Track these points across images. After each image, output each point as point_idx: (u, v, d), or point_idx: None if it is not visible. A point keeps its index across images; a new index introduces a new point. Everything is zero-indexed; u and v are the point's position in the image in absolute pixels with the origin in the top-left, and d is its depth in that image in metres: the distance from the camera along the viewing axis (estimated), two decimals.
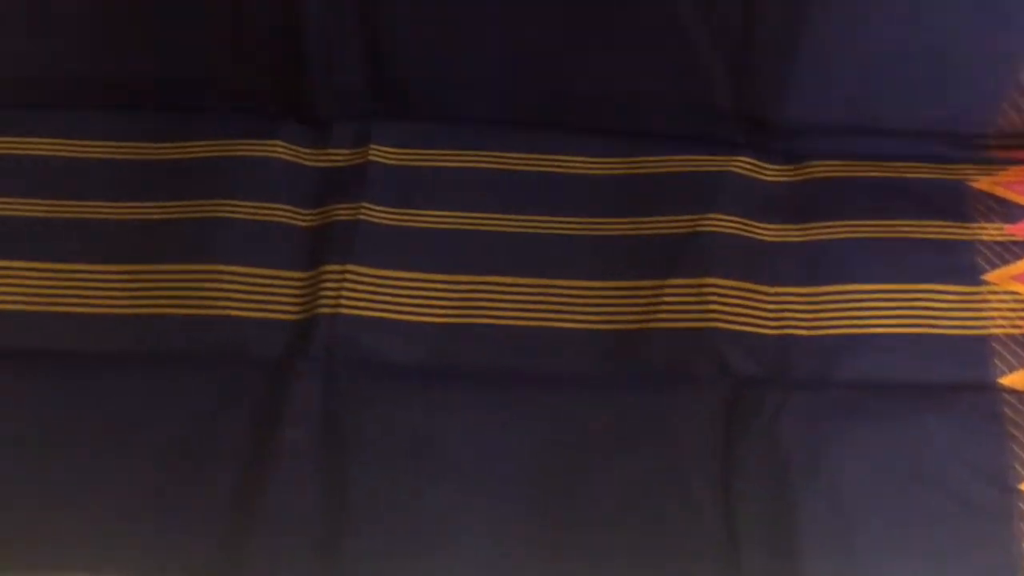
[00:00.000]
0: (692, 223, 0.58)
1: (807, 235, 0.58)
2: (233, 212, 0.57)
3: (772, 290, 0.56)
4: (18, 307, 0.55)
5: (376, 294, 0.56)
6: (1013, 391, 0.53)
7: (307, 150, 0.60)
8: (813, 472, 0.51)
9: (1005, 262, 0.56)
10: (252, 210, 0.58)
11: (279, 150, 0.60)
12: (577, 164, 0.61)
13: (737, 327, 0.55)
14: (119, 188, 0.59)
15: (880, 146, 0.61)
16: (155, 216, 0.58)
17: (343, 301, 0.55)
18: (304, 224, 0.58)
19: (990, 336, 0.54)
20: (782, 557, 0.50)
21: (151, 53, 0.61)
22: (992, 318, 0.55)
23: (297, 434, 0.52)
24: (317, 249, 0.57)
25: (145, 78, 0.61)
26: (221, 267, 0.56)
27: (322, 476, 0.51)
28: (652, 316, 0.55)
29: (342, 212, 0.58)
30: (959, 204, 0.59)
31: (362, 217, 0.58)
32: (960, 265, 0.56)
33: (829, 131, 0.61)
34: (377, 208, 0.58)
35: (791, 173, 0.60)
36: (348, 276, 0.56)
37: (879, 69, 0.58)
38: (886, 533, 0.50)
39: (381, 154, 0.60)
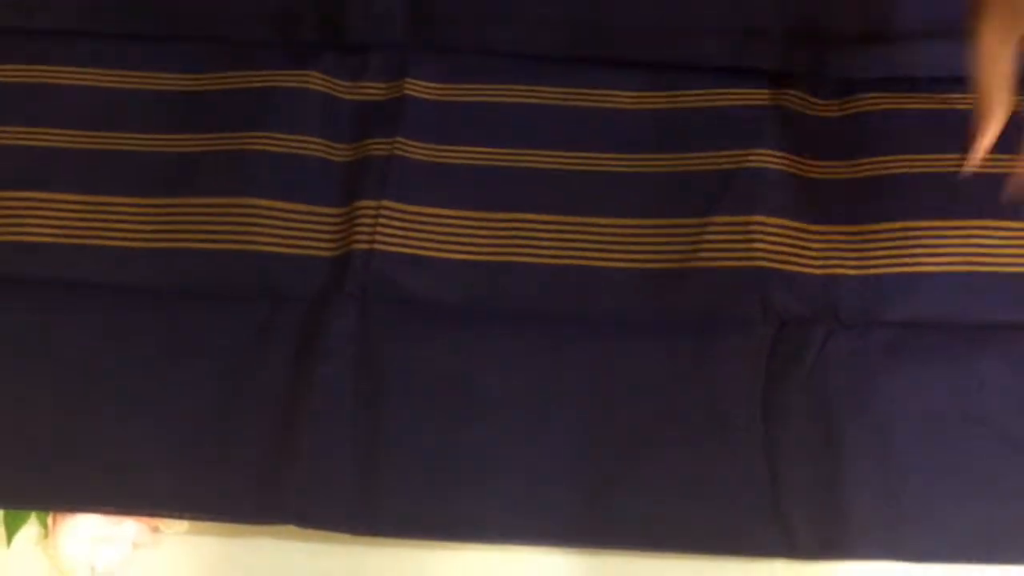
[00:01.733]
0: (737, 159, 0.56)
1: (857, 171, 0.56)
2: (267, 145, 0.57)
3: (819, 228, 0.55)
4: (55, 239, 0.55)
5: (411, 231, 0.55)
6: None
7: (343, 82, 0.59)
8: (859, 413, 0.50)
9: None
10: (286, 143, 0.57)
11: (315, 81, 0.59)
12: (617, 99, 0.59)
13: (782, 266, 0.53)
14: (155, 120, 0.58)
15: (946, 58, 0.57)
16: (190, 148, 0.58)
17: (378, 237, 0.54)
18: (338, 159, 0.57)
19: None
20: (824, 501, 0.48)
21: None
22: None
23: (332, 370, 0.51)
24: (351, 184, 0.56)
25: (185, 6, 0.61)
26: (255, 201, 0.55)
27: (357, 412, 0.50)
28: (694, 255, 0.54)
29: (377, 147, 0.57)
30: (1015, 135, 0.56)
31: (397, 152, 0.57)
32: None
33: (888, 40, 0.58)
34: (412, 143, 0.57)
35: (840, 107, 0.58)
36: (383, 212, 0.55)
37: None
38: (936, 476, 0.49)
39: (417, 88, 0.59)
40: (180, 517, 0.51)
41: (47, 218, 0.55)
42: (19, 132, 0.58)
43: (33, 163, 0.57)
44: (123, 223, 0.55)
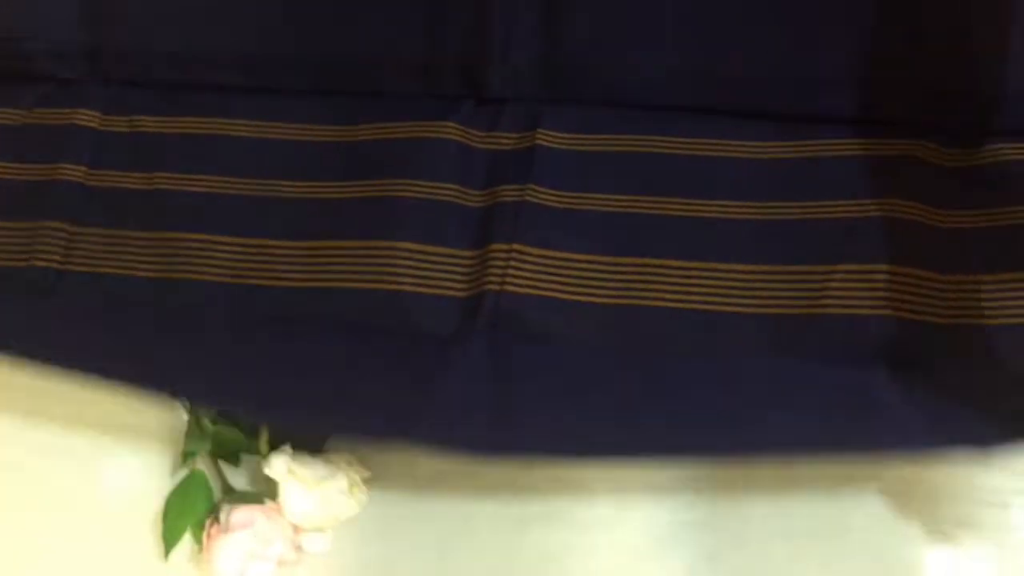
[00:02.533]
0: (864, 207, 0.57)
1: (993, 220, 0.56)
2: (408, 191, 0.60)
3: (952, 278, 0.54)
4: (219, 278, 0.59)
5: (542, 273, 0.57)
6: None
7: (478, 132, 0.62)
8: None
9: None
10: (426, 190, 0.60)
11: (452, 131, 0.62)
12: (745, 148, 0.60)
13: (910, 316, 0.53)
14: (303, 168, 0.62)
15: None
16: (335, 195, 0.61)
17: (509, 279, 0.57)
18: (473, 204, 0.60)
19: None
20: None
21: (341, 33, 0.64)
22: None
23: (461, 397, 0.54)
24: (485, 228, 0.59)
25: (333, 59, 0.64)
26: (396, 244, 0.58)
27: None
28: (818, 302, 0.55)
29: (509, 193, 0.60)
30: None
31: (528, 198, 0.59)
32: None
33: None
34: (543, 190, 0.60)
35: (970, 157, 0.58)
36: (515, 255, 0.57)
37: None
38: None
39: (548, 138, 0.61)
40: None
41: (211, 258, 0.60)
42: (183, 179, 0.62)
43: (197, 206, 0.61)
44: (274, 264, 0.59)
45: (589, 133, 0.61)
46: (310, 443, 0.58)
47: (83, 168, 0.63)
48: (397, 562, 0.58)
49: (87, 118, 0.64)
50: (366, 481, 0.57)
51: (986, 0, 0.56)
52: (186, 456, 0.58)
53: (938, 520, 0.54)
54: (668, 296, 0.56)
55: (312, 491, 0.55)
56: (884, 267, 0.54)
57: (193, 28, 0.65)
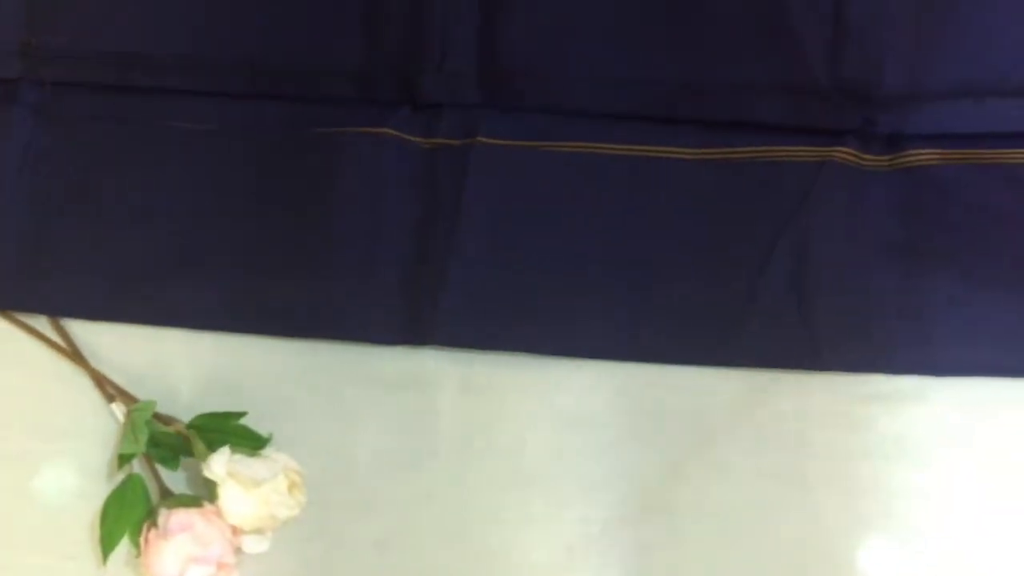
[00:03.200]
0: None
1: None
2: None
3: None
4: None
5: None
6: None
7: (415, 138, 0.63)
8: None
9: None
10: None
11: (389, 135, 0.62)
12: (679, 153, 0.61)
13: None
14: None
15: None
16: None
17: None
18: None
19: None
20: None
21: (278, 37, 0.64)
22: None
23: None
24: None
25: (270, 63, 0.64)
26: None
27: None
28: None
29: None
30: None
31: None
32: None
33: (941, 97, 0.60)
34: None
35: (890, 162, 0.60)
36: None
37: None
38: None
39: (487, 142, 0.62)
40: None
41: None
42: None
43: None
44: None
45: (527, 139, 0.62)
46: (249, 444, 0.58)
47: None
48: (337, 562, 0.58)
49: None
50: (306, 481, 0.58)
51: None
52: (122, 459, 0.57)
53: (863, 511, 0.56)
54: None
55: (251, 492, 0.55)
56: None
57: (131, 30, 0.64)
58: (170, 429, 0.58)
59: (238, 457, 0.56)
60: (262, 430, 0.59)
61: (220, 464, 0.56)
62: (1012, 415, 0.57)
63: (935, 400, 0.57)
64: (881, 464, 0.57)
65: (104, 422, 0.60)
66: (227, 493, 0.55)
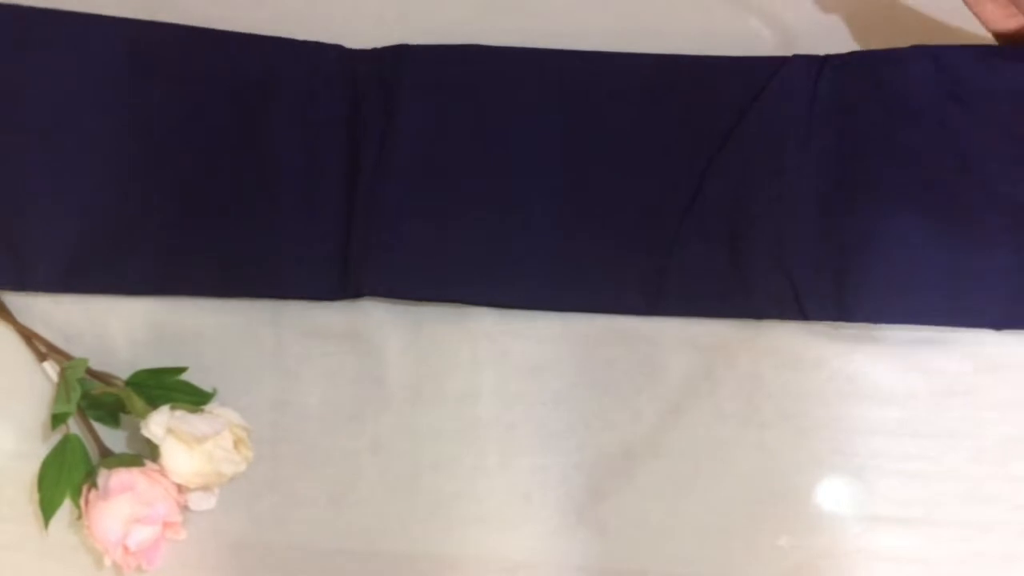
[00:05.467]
0: None
1: None
2: None
3: None
4: None
5: None
6: None
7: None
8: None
9: None
10: None
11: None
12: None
13: None
14: None
15: None
16: None
17: None
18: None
19: None
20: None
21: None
22: None
23: None
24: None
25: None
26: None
27: None
28: None
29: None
30: None
31: None
32: None
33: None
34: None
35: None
36: None
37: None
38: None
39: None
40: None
41: None
42: None
43: None
44: None
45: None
46: (192, 400, 0.57)
47: None
48: (288, 516, 0.57)
49: None
50: (253, 436, 0.56)
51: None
52: (56, 420, 0.55)
53: (817, 449, 0.56)
54: None
55: (194, 449, 0.54)
56: None
57: None
58: (108, 388, 0.56)
59: (180, 414, 0.55)
60: (206, 386, 0.57)
61: (159, 423, 0.54)
62: (961, 351, 0.57)
63: (887, 339, 0.57)
64: (835, 402, 0.56)
65: (39, 381, 0.58)
66: (168, 451, 0.54)
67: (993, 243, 0.55)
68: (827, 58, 0.57)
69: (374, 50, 0.60)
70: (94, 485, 0.54)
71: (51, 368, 0.58)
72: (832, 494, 0.56)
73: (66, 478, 0.55)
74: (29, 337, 0.58)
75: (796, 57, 0.58)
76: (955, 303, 0.55)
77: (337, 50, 0.60)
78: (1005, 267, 0.54)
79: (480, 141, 0.58)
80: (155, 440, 0.53)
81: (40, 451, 0.56)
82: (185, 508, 0.56)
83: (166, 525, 0.55)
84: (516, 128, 0.58)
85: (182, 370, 0.57)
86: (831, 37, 0.61)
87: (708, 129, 0.57)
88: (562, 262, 0.57)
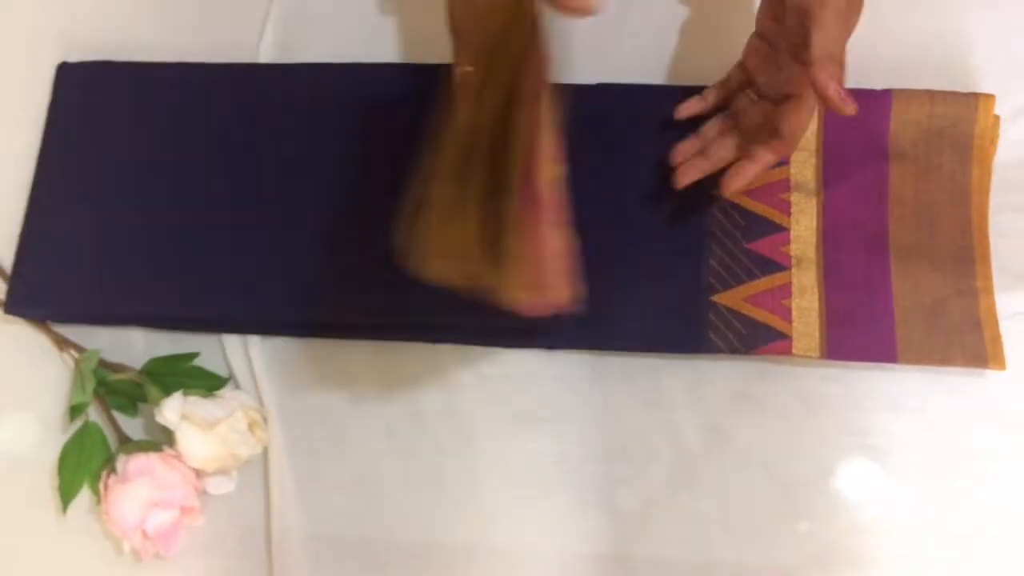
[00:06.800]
0: None
1: None
2: None
3: None
4: None
5: None
6: None
7: None
8: None
9: None
10: None
11: None
12: None
13: None
14: None
15: None
16: None
17: None
18: None
19: None
20: None
21: None
22: None
23: None
24: None
25: None
26: None
27: None
28: None
29: None
30: None
31: None
32: None
33: None
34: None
35: None
36: None
37: None
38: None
39: None
40: None
41: None
42: None
43: None
44: None
45: None
46: (206, 385, 0.57)
47: None
48: (308, 498, 0.57)
49: None
50: (267, 419, 0.56)
51: None
52: (74, 410, 0.56)
53: (830, 431, 0.55)
54: None
55: (208, 434, 0.54)
56: None
57: None
58: (124, 376, 0.57)
59: (194, 399, 0.55)
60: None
61: (172, 408, 0.54)
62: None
63: None
64: (853, 383, 0.56)
65: (58, 372, 0.59)
66: (183, 436, 0.54)
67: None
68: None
69: None
70: (113, 470, 0.55)
71: (68, 360, 0.59)
72: (849, 478, 0.55)
73: (85, 464, 0.56)
74: (47, 332, 0.59)
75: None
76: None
77: None
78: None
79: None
80: (169, 426, 0.54)
81: (62, 440, 0.57)
82: (204, 492, 0.56)
83: (184, 511, 0.55)
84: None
85: (195, 355, 0.58)
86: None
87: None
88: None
